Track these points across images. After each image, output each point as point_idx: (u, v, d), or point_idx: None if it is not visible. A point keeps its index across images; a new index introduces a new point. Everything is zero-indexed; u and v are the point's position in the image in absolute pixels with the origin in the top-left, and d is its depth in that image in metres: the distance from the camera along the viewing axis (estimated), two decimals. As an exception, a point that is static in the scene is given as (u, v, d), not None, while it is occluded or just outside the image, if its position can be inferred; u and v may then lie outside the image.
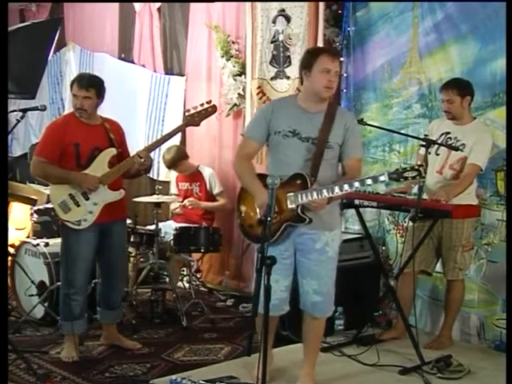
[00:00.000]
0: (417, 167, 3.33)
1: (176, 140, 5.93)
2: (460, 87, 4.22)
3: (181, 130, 4.43)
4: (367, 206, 4.29)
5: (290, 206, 3.47)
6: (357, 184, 3.38)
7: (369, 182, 3.39)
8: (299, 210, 3.46)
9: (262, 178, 3.52)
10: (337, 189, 3.38)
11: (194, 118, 4.23)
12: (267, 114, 3.60)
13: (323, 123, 3.51)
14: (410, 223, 4.10)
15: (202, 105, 4.25)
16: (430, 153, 4.07)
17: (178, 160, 5.66)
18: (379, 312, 4.72)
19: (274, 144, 3.58)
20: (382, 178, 3.38)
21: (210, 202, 5.71)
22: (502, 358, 3.74)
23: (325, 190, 3.39)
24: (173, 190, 5.94)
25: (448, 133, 4.29)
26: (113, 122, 4.37)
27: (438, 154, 4.28)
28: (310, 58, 3.52)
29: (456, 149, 4.11)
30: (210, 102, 4.31)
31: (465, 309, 4.49)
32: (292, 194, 3.45)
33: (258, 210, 3.53)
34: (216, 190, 5.72)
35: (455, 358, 4.03)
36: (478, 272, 4.49)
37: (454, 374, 3.90)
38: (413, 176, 3.31)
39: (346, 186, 3.37)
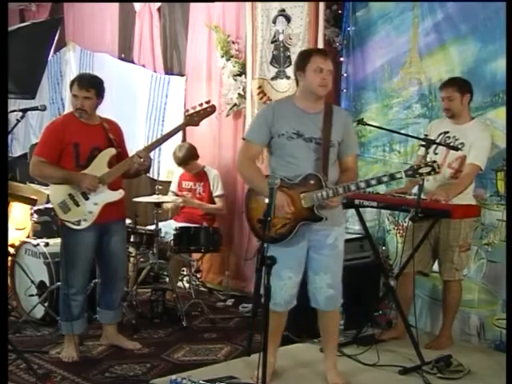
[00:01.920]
0: (431, 163, 3.48)
1: (176, 140, 5.93)
2: (460, 85, 4.24)
3: (180, 130, 4.43)
4: (367, 206, 4.28)
5: (305, 206, 3.53)
6: (374, 182, 3.53)
7: (385, 179, 3.55)
8: (315, 209, 3.52)
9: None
10: (353, 186, 3.50)
11: (193, 118, 4.24)
12: (268, 117, 3.65)
13: (323, 123, 3.59)
14: (410, 223, 4.10)
15: (200, 105, 4.26)
16: (428, 153, 4.07)
17: (189, 159, 5.68)
18: (379, 312, 4.72)
19: (279, 146, 3.63)
20: (398, 176, 3.52)
21: (211, 203, 5.71)
22: (502, 357, 3.74)
23: (341, 189, 3.50)
24: (172, 187, 5.93)
25: (446, 132, 4.29)
26: (111, 121, 4.37)
27: (436, 154, 4.27)
28: (303, 59, 3.62)
29: (456, 148, 4.10)
30: (209, 101, 4.32)
31: (465, 309, 4.49)
32: (306, 194, 3.52)
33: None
34: (216, 192, 5.71)
35: (455, 358, 4.02)
36: (477, 272, 4.49)
37: (453, 374, 3.90)
38: (427, 172, 3.47)
39: (362, 184, 3.51)
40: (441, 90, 4.33)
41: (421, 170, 3.47)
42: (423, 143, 4.07)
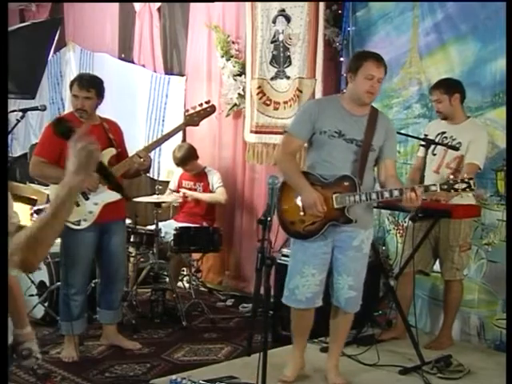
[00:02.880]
0: (467, 180, 3.42)
1: (176, 140, 5.93)
2: (446, 86, 4.24)
3: (180, 130, 4.44)
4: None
5: (336, 206, 3.51)
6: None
7: (420, 190, 3.45)
8: (346, 211, 3.51)
9: (304, 175, 3.61)
10: (386, 193, 3.47)
11: (193, 118, 4.25)
12: (313, 112, 3.63)
13: (367, 126, 3.58)
14: (410, 223, 4.10)
15: (200, 105, 4.26)
16: (427, 153, 4.07)
17: (188, 159, 5.66)
18: (379, 312, 4.71)
19: (319, 143, 3.61)
20: (433, 188, 3.47)
21: (211, 204, 5.71)
22: (502, 358, 3.72)
23: (374, 194, 3.48)
24: (171, 186, 5.90)
25: (443, 132, 4.29)
26: (111, 122, 4.37)
27: (434, 154, 4.28)
28: (357, 62, 3.59)
29: (455, 148, 4.11)
30: (209, 101, 4.33)
31: (465, 309, 4.49)
32: (339, 195, 3.51)
33: (301, 207, 3.56)
34: (215, 185, 5.70)
35: (455, 358, 4.02)
36: (478, 272, 4.49)
37: (453, 374, 3.90)
38: (463, 188, 3.42)
39: (395, 192, 3.45)
40: (430, 93, 4.34)
41: (456, 186, 3.42)
42: (423, 143, 4.06)
